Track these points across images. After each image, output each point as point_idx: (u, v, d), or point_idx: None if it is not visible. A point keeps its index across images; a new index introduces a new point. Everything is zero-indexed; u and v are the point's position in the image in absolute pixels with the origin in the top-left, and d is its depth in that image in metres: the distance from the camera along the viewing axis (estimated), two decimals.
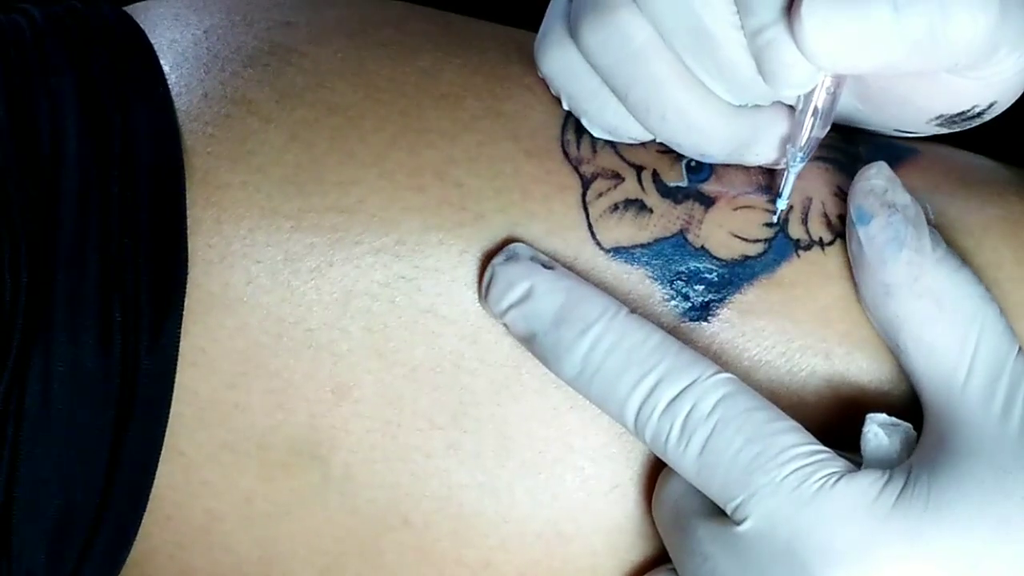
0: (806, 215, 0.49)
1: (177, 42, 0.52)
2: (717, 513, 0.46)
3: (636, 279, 0.48)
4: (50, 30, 0.51)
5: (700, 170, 0.49)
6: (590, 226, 0.48)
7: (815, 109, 0.46)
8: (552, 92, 0.50)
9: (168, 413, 0.48)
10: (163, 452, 0.48)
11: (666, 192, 0.49)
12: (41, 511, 0.47)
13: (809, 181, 0.49)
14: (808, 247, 0.49)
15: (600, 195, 0.48)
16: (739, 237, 0.48)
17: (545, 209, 0.48)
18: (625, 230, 0.48)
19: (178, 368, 0.48)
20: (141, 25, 0.52)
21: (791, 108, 0.47)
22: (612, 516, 0.49)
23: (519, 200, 0.48)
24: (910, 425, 0.46)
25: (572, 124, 0.49)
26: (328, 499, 0.49)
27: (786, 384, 0.48)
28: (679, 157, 0.49)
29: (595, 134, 0.49)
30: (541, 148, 0.49)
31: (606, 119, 0.48)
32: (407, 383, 0.48)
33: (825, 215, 0.49)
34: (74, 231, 0.47)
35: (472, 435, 0.48)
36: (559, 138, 0.49)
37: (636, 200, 0.49)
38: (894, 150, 0.50)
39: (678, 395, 0.45)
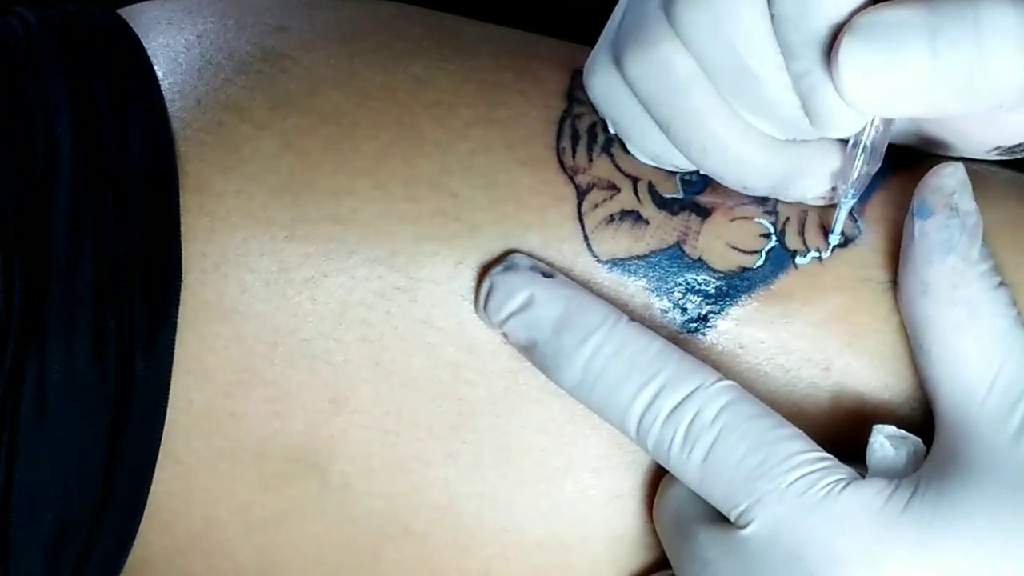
0: (803, 226, 0.48)
1: (170, 47, 0.51)
2: (719, 519, 0.46)
3: (633, 291, 0.48)
4: (44, 33, 0.51)
5: (695, 181, 0.49)
6: (586, 238, 0.48)
7: (864, 147, 0.46)
8: (600, 116, 0.49)
9: (163, 420, 0.48)
10: (160, 459, 0.48)
11: (662, 203, 0.48)
12: (38, 519, 0.47)
13: None
14: (804, 256, 0.48)
15: (596, 206, 0.48)
16: (736, 248, 0.48)
17: (540, 220, 0.48)
18: (621, 242, 0.48)
19: (173, 376, 0.47)
20: (135, 29, 0.52)
21: (837, 142, 0.47)
22: (613, 525, 0.49)
23: (514, 211, 0.48)
24: (919, 439, 0.46)
25: (567, 131, 0.49)
26: (326, 508, 0.49)
27: (786, 395, 0.48)
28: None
29: (640, 159, 0.49)
30: (536, 157, 0.49)
31: (648, 146, 0.48)
32: (405, 393, 0.48)
33: (822, 226, 0.49)
34: (68, 238, 0.47)
35: (471, 445, 0.48)
36: (554, 146, 0.49)
37: (632, 211, 0.48)
38: (890, 158, 0.50)
39: (681, 402, 0.45)
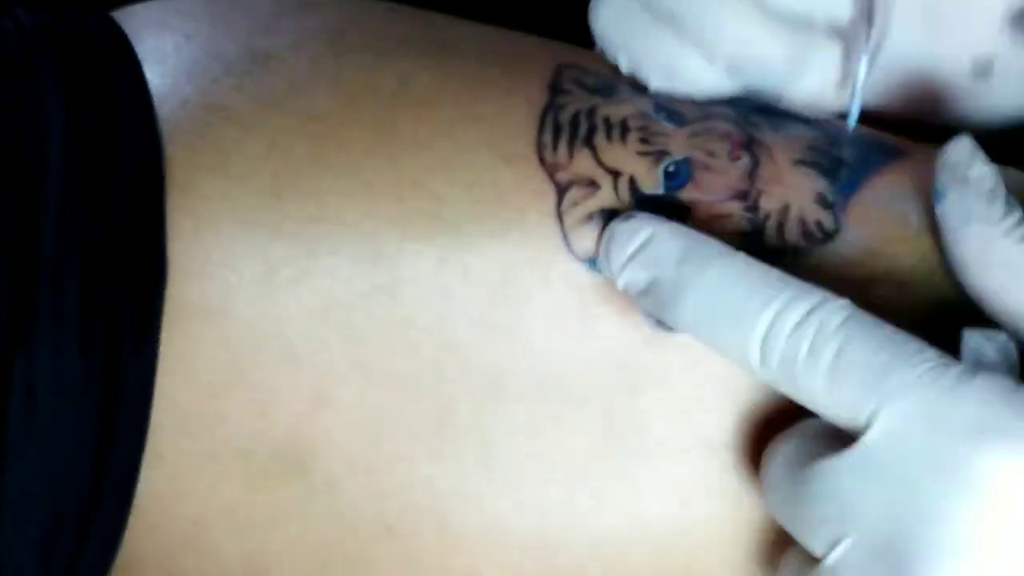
0: (782, 222, 0.48)
1: (159, 49, 0.51)
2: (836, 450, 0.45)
3: (611, 289, 0.48)
4: (37, 36, 0.51)
5: (677, 176, 0.48)
6: (565, 236, 0.48)
7: None
8: (609, 58, 0.50)
9: (149, 421, 0.48)
10: (147, 459, 0.48)
11: (642, 201, 0.48)
12: (29, 520, 0.47)
13: (789, 187, 0.49)
14: (782, 254, 0.48)
15: (575, 204, 0.48)
16: None
17: (520, 218, 0.48)
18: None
19: (158, 376, 0.48)
20: (127, 31, 0.52)
21: (837, 37, 0.48)
22: (597, 526, 0.48)
23: (495, 210, 0.48)
24: (1006, 336, 0.45)
25: (549, 125, 0.49)
26: (312, 508, 0.49)
27: (763, 388, 0.48)
28: (657, 161, 0.49)
29: (652, 86, 0.50)
30: (518, 154, 0.49)
31: (663, 58, 0.49)
32: (388, 392, 0.48)
33: (803, 221, 0.48)
34: (56, 239, 0.47)
35: (454, 444, 0.48)
36: (536, 142, 0.49)
37: (611, 210, 0.48)
38: (880, 151, 0.50)
39: (804, 316, 0.44)
